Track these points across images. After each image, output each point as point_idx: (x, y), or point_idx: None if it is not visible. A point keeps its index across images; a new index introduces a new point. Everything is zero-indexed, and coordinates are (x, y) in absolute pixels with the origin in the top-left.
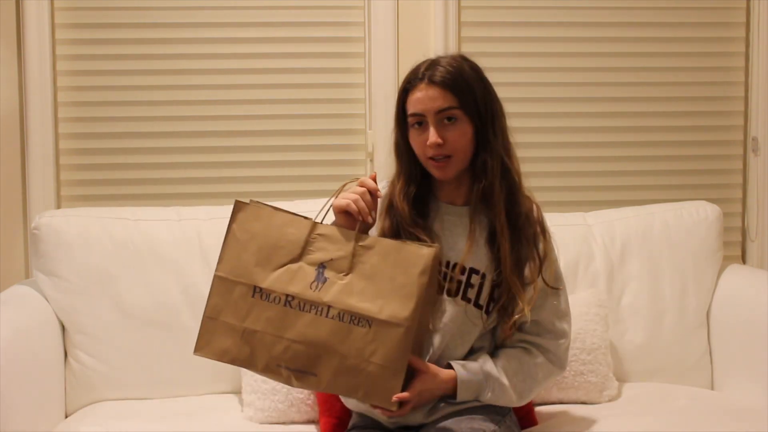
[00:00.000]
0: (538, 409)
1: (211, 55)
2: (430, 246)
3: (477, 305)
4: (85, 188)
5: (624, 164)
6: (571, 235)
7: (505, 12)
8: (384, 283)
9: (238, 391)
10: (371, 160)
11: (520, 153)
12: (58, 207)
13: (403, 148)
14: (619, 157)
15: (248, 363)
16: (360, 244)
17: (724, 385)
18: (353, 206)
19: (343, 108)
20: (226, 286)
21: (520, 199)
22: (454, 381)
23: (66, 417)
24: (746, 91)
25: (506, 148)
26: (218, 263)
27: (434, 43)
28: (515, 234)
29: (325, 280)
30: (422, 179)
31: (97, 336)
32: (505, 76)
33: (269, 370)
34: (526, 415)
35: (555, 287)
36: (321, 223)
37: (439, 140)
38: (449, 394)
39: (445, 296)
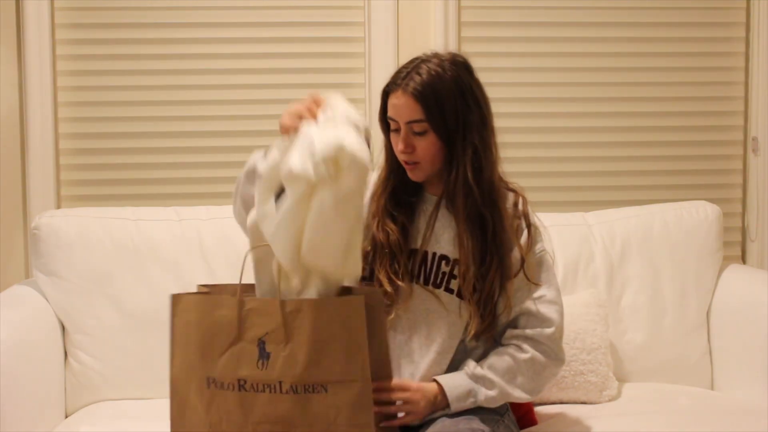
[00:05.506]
0: (538, 409)
1: (212, 55)
2: (358, 293)
3: (454, 293)
4: (85, 188)
5: (624, 164)
6: (571, 235)
7: (505, 12)
8: (325, 344)
9: None
10: (371, 160)
11: (519, 153)
12: (58, 207)
13: (386, 144)
14: (620, 157)
15: None
16: (287, 311)
17: (724, 385)
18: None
19: None
20: (181, 383)
21: (485, 211)
22: (442, 389)
23: (66, 417)
24: (746, 91)
25: (477, 161)
26: (170, 360)
27: (434, 43)
28: (477, 240)
29: (268, 355)
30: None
31: (97, 336)
32: (505, 76)
33: None
34: (525, 415)
35: (536, 283)
36: (243, 287)
37: (407, 149)
38: (443, 406)
39: (415, 285)
